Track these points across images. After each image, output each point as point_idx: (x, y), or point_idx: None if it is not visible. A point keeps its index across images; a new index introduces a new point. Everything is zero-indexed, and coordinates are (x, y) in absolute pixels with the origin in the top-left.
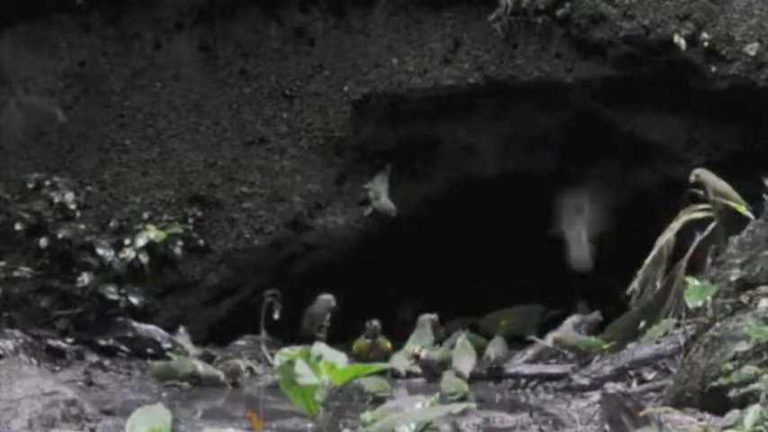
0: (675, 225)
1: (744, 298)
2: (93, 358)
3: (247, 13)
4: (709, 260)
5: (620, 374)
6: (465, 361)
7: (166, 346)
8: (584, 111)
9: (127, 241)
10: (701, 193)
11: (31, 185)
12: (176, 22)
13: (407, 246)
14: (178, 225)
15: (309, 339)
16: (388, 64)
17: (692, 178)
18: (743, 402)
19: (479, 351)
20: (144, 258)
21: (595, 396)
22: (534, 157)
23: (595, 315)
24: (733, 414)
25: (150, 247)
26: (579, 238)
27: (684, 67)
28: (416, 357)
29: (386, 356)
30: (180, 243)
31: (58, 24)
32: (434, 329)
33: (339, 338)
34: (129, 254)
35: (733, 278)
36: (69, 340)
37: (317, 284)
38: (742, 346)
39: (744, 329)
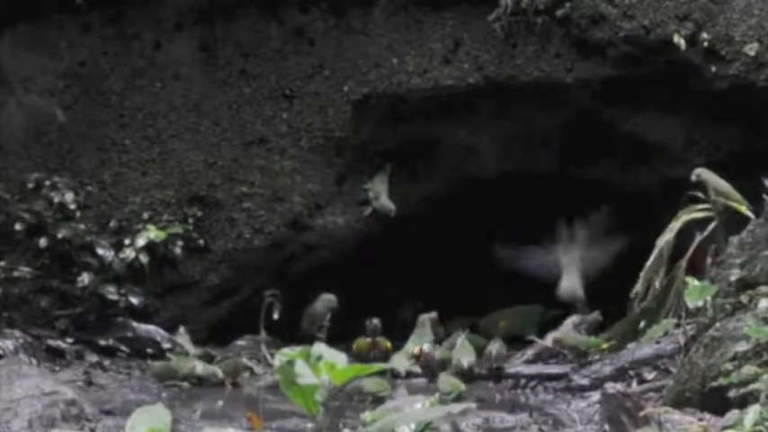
0: (675, 225)
1: (744, 298)
2: (93, 358)
3: (247, 13)
4: (709, 260)
5: (620, 374)
6: (465, 359)
7: (166, 346)
8: (584, 111)
9: (127, 241)
10: (700, 193)
11: (30, 185)
12: (176, 22)
13: (407, 246)
14: (178, 225)
15: (309, 339)
16: (388, 64)
17: (693, 178)
18: (743, 402)
19: (479, 351)
20: (144, 258)
21: (595, 396)
22: (534, 157)
23: (595, 315)
24: (733, 414)
25: (150, 247)
26: (572, 270)
27: (684, 67)
28: (416, 358)
29: (386, 356)
30: (180, 243)
31: (58, 24)
32: (434, 329)
33: (339, 338)
34: (129, 254)
35: (733, 278)
36: (69, 340)
37: (317, 284)
38: (742, 346)
39: (744, 329)
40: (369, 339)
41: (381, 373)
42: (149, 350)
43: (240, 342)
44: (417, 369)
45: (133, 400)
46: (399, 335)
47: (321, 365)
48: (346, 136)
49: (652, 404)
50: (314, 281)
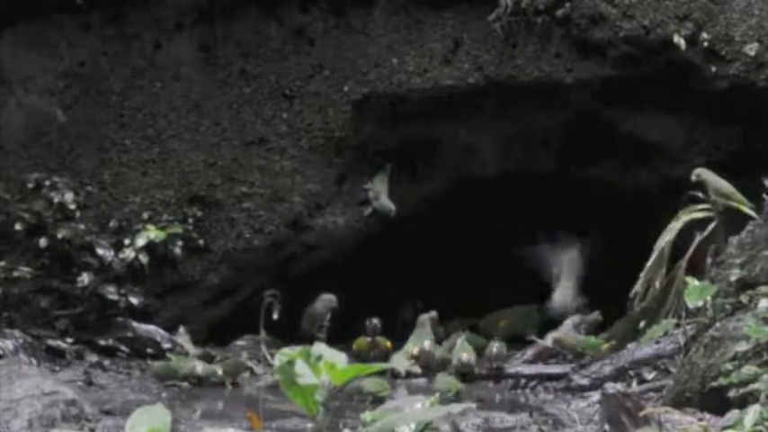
0: (675, 225)
1: (744, 298)
2: (93, 358)
3: (247, 13)
4: (709, 260)
5: (620, 374)
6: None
7: (166, 346)
8: (584, 111)
9: (127, 241)
10: (700, 193)
11: (30, 185)
12: (176, 22)
13: (407, 246)
14: (178, 225)
15: (309, 339)
16: (388, 64)
17: (694, 178)
18: (743, 402)
19: (479, 351)
20: (144, 258)
21: (595, 396)
22: (534, 157)
23: (595, 315)
24: (733, 414)
25: (150, 247)
26: (567, 282)
27: (684, 67)
28: (417, 359)
29: (386, 356)
30: (180, 243)
31: (58, 24)
32: (434, 329)
33: (339, 338)
34: (128, 254)
35: (733, 278)
36: (69, 340)
37: (317, 284)
38: (742, 346)
39: (744, 329)
40: (369, 339)
41: (381, 373)
42: (149, 350)
43: (240, 342)
44: (417, 369)
45: (133, 400)
46: (399, 335)
47: (321, 365)
48: (346, 136)
49: (652, 404)
50: (314, 281)
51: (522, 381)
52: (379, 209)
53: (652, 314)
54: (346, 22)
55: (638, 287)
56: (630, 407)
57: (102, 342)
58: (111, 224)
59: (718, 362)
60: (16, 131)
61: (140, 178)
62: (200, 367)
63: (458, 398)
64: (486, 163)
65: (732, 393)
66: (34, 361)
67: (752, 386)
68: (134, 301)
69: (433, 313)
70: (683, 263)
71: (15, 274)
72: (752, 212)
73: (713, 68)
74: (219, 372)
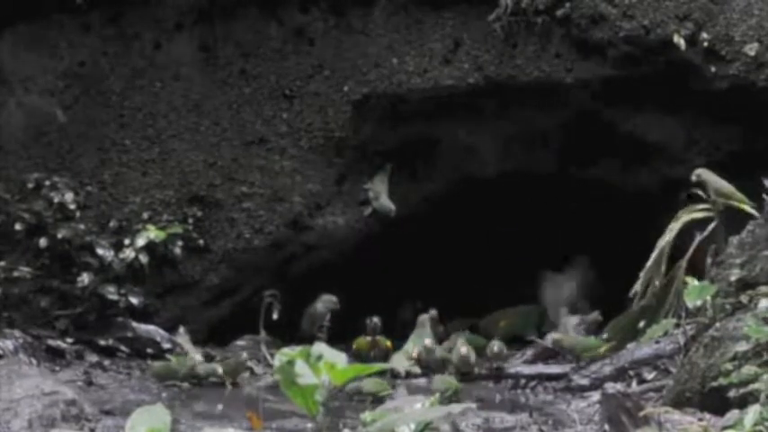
0: (675, 225)
1: (744, 298)
2: (93, 358)
3: (247, 13)
4: (709, 260)
5: (619, 374)
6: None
7: (166, 346)
8: (584, 111)
9: (127, 241)
10: (700, 193)
11: (30, 185)
12: (176, 22)
13: (407, 246)
14: (178, 225)
15: (309, 339)
16: (388, 64)
17: (693, 178)
18: (743, 402)
19: (479, 351)
20: (144, 258)
21: (595, 396)
22: (534, 157)
23: (595, 315)
24: (733, 414)
25: (150, 247)
26: (560, 313)
27: (684, 67)
28: (417, 360)
29: (386, 355)
30: (180, 243)
31: (58, 24)
32: (434, 329)
33: (339, 338)
34: (128, 254)
35: (733, 278)
36: (69, 340)
37: (317, 284)
38: (742, 346)
39: (744, 329)
40: (369, 338)
41: (381, 373)
42: (149, 350)
43: (240, 342)
44: (417, 369)
45: (133, 400)
46: (399, 335)
47: (321, 365)
48: (346, 136)
49: (652, 404)
50: (314, 281)
51: (522, 381)
52: (379, 209)
53: (651, 314)
54: (346, 22)
55: (637, 286)
56: (630, 407)
57: (102, 342)
58: (111, 224)
59: (718, 362)
60: (16, 131)
61: (140, 178)
62: (200, 367)
63: (457, 398)
64: (486, 163)
65: (732, 393)
66: (34, 361)
67: (752, 386)
68: (134, 301)
69: (433, 313)
70: (683, 263)
71: (15, 274)
72: (753, 211)
73: (713, 68)
74: (219, 372)
